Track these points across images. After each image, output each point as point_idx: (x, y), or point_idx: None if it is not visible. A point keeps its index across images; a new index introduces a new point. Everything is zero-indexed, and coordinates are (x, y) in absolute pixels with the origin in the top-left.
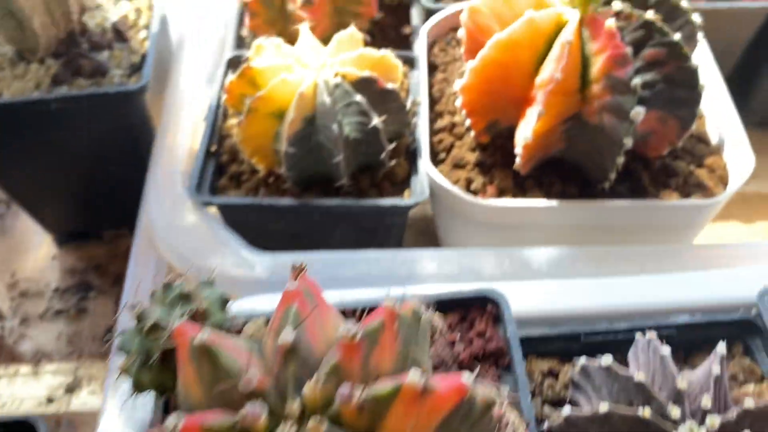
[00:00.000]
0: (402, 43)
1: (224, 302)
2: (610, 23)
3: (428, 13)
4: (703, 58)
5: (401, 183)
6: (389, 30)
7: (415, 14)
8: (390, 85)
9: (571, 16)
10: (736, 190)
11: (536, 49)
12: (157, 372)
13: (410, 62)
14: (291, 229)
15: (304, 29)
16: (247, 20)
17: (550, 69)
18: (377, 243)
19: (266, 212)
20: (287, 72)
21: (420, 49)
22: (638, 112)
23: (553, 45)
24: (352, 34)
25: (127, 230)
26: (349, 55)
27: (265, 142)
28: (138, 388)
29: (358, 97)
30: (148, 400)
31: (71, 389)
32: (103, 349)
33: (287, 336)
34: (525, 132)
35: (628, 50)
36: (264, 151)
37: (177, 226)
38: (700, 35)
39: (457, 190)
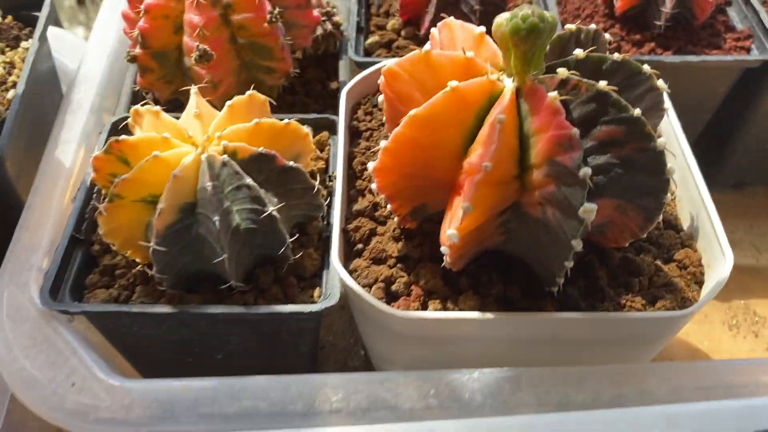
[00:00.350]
0: (329, 98)
1: None
2: (553, 96)
3: (358, 67)
4: (672, 129)
5: (312, 278)
6: (315, 83)
7: (343, 68)
8: (292, 163)
9: (506, 86)
10: (712, 298)
11: (464, 126)
12: None
13: (331, 127)
14: (175, 336)
15: (194, 92)
16: (138, 77)
17: (478, 154)
18: (282, 351)
19: (141, 320)
20: (163, 148)
21: (340, 114)
22: (589, 210)
23: (485, 119)
24: (251, 98)
25: None
26: (243, 125)
27: (137, 234)
28: None
29: (249, 180)
30: None
31: None
32: None
33: None
34: (451, 230)
35: (575, 132)
36: (137, 243)
37: (23, 344)
38: (667, 103)
39: (371, 299)
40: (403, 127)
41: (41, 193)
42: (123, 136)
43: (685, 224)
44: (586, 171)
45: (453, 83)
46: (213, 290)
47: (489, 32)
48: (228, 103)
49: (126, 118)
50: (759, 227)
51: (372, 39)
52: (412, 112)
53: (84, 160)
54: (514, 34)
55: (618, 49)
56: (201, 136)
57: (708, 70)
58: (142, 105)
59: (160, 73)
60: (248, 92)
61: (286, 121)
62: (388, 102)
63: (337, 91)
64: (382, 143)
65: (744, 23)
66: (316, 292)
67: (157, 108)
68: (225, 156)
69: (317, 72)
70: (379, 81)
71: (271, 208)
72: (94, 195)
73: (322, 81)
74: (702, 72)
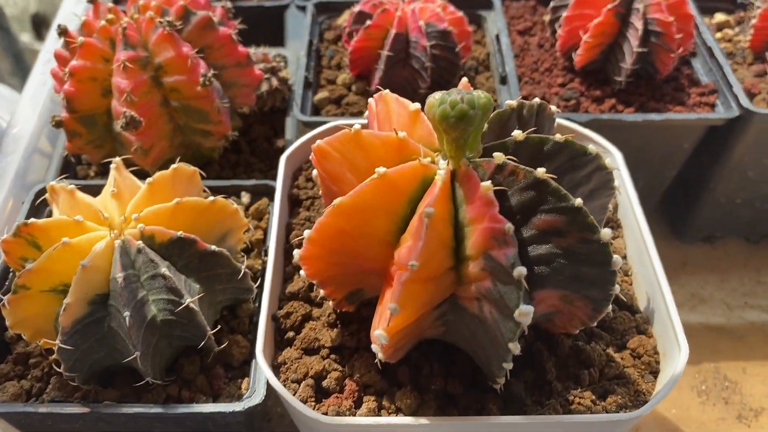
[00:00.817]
0: (276, 157)
1: None
2: (486, 186)
3: (304, 126)
4: (629, 203)
5: (241, 366)
6: (260, 141)
7: (290, 125)
8: (214, 248)
9: (438, 171)
10: (666, 395)
11: (395, 213)
12: None
13: (272, 194)
14: (93, 431)
15: (113, 167)
16: (66, 141)
17: (407, 247)
18: None
19: (54, 418)
20: (75, 232)
21: (278, 182)
22: (525, 313)
23: (418, 205)
24: (176, 171)
25: None
26: (162, 206)
27: (47, 325)
28: None
29: (164, 269)
30: None
31: None
32: None
33: None
34: (378, 331)
35: (509, 227)
36: (49, 334)
37: None
38: (620, 179)
39: (296, 402)
40: (327, 216)
41: None
42: (32, 219)
43: (642, 304)
44: (520, 271)
45: (381, 170)
46: (131, 382)
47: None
48: (148, 180)
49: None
50: (729, 281)
51: (321, 94)
52: (337, 201)
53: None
54: (442, 120)
55: (577, 106)
56: (118, 218)
57: (672, 128)
58: (59, 180)
59: (89, 138)
60: (173, 165)
61: (211, 199)
62: (321, 179)
63: (284, 149)
64: (306, 232)
65: (709, 76)
66: (245, 384)
67: (72, 187)
68: (140, 242)
69: (263, 129)
70: (310, 157)
71: (188, 300)
72: (10, 276)
73: (268, 138)
74: (666, 130)
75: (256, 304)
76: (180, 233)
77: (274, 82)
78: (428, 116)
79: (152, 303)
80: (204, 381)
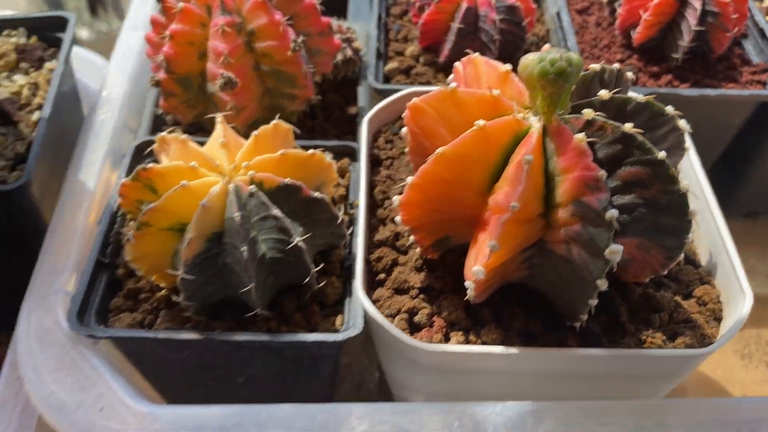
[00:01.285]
0: (348, 124)
1: None
2: (580, 138)
3: (377, 93)
4: (692, 167)
5: (333, 305)
6: (334, 108)
7: (362, 93)
8: (317, 194)
9: (532, 125)
10: (732, 336)
11: (489, 165)
12: None
13: (352, 154)
14: (198, 360)
15: (219, 120)
16: (161, 100)
17: (505, 193)
18: (303, 376)
19: (166, 345)
20: (190, 177)
21: (361, 142)
22: (615, 251)
23: (510, 158)
24: (276, 127)
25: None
26: (269, 156)
27: (163, 261)
28: None
29: (276, 211)
30: None
31: None
32: None
33: None
34: (476, 266)
35: (602, 174)
36: (163, 270)
37: (51, 368)
38: (688, 142)
39: (395, 330)
40: (430, 164)
41: (65, 216)
42: (151, 164)
43: (704, 260)
44: (612, 213)
45: (480, 122)
46: (237, 316)
47: (513, 68)
48: (254, 133)
49: (149, 141)
50: None
51: (391, 65)
52: (440, 150)
53: (107, 182)
54: (541, 77)
55: (636, 81)
56: (228, 166)
57: (725, 103)
58: (168, 132)
59: (184, 98)
60: (273, 122)
61: (310, 151)
62: (412, 135)
63: (356, 116)
64: (409, 179)
65: (760, 57)
66: (338, 320)
67: (185, 136)
68: (252, 186)
69: (336, 97)
70: (403, 115)
71: (297, 239)
72: (118, 219)
73: (341, 106)
74: (719, 105)
75: (347, 250)
76: (288, 180)
77: (348, 52)
78: (522, 75)
79: (262, 243)
80: (301, 317)
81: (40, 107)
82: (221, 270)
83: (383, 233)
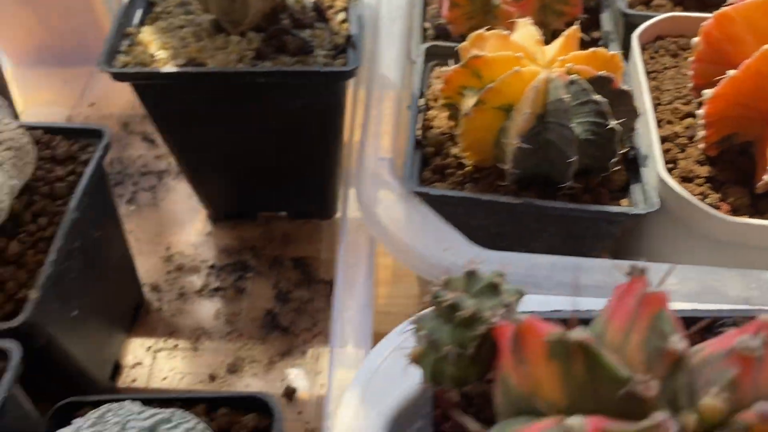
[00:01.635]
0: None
1: (520, 297)
2: None
3: (623, 18)
4: None
5: (617, 191)
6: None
7: (606, 19)
8: (625, 87)
9: None
10: None
11: None
12: (465, 365)
13: None
14: (496, 228)
15: (524, 23)
16: (445, 10)
17: None
18: (582, 252)
19: (476, 208)
20: (518, 65)
21: (635, 54)
22: None
23: None
24: (575, 31)
25: (285, 214)
26: (581, 52)
27: (486, 136)
28: (435, 379)
29: (597, 97)
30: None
31: (233, 370)
32: (263, 333)
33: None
34: None
35: None
36: (481, 145)
37: (396, 220)
38: None
39: (700, 203)
40: (755, 59)
41: (376, 101)
42: (481, 53)
43: None
44: None
45: None
46: (538, 192)
47: None
48: (564, 33)
49: (436, 45)
50: None
51: None
52: (765, 47)
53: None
54: None
55: None
56: (543, 59)
57: None
58: (487, 30)
59: (465, 9)
60: (573, 26)
61: (612, 52)
62: (711, 43)
63: (597, 42)
64: (730, 72)
65: None
66: (624, 203)
67: (507, 32)
68: (574, 75)
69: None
70: (703, 24)
71: (613, 122)
72: (424, 104)
73: (585, 29)
74: None
75: (629, 146)
76: (603, 72)
77: None
78: None
79: (577, 125)
80: (590, 197)
81: (343, 10)
82: (543, 145)
83: (661, 132)
